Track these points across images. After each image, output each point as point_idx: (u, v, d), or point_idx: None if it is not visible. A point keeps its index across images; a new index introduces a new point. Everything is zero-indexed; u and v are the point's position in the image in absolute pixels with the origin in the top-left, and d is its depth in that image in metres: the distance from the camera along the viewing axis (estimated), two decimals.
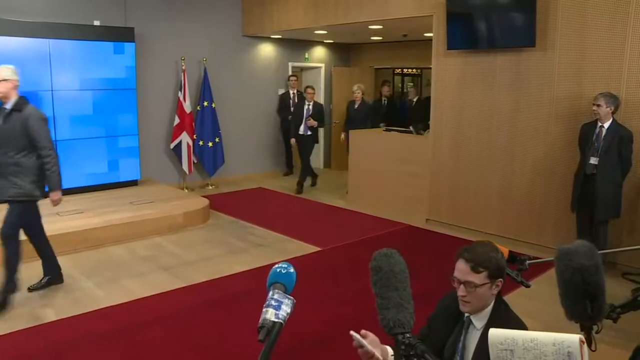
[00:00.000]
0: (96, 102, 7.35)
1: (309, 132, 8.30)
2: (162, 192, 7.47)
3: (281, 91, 9.94)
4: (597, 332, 1.54)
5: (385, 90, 9.53)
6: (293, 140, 8.30)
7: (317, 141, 8.44)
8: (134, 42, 7.58)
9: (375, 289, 1.35)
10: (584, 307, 1.46)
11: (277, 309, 1.18)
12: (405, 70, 11.60)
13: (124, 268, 5.11)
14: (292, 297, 1.23)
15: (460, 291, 1.73)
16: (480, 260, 1.72)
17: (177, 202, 6.85)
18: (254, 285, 4.65)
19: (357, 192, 7.70)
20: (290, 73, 10.07)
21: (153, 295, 4.44)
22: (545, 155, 5.63)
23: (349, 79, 10.76)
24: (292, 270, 1.28)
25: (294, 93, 9.69)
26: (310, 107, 8.27)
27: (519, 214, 5.84)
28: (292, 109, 9.23)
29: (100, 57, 7.31)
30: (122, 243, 5.87)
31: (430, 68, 6.60)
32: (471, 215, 6.30)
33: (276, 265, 1.29)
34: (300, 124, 8.26)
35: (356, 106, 8.40)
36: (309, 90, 8.37)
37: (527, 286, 1.93)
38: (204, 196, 7.45)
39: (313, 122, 8.24)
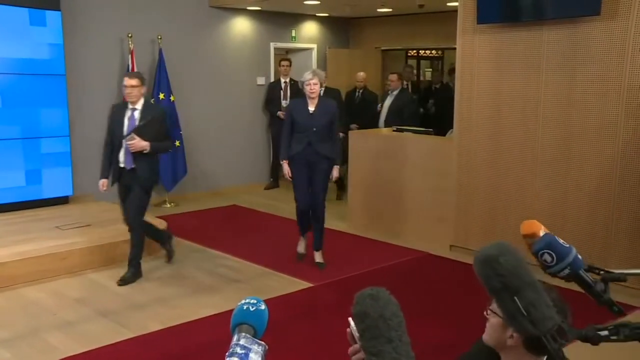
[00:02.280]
0: (5, 91, 7.32)
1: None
2: (102, 212, 7.51)
3: (261, 81, 10.19)
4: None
5: (395, 79, 9.45)
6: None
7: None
8: (59, 10, 7.56)
9: (362, 342, 1.38)
10: (521, 318, 1.58)
11: (244, 358, 1.22)
12: (421, 52, 11.66)
13: (45, 317, 5.11)
14: (263, 343, 1.28)
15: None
16: None
17: (122, 225, 6.84)
18: (225, 334, 4.46)
19: (360, 211, 7.87)
20: (273, 55, 10.31)
21: (88, 351, 4.44)
22: (612, 162, 5.63)
23: (349, 64, 10.88)
24: (262, 307, 1.35)
25: (285, 82, 9.93)
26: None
27: (576, 240, 5.77)
28: (283, 103, 9.62)
29: (9, 28, 7.20)
30: (43, 282, 5.88)
31: (454, 49, 6.76)
32: (510, 242, 6.18)
33: (242, 301, 1.36)
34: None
35: (358, 98, 8.46)
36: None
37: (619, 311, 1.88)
38: (159, 217, 7.56)
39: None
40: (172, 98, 8.67)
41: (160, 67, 8.58)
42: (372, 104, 9.31)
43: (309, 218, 6.28)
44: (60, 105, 7.65)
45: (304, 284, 5.78)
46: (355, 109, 9.26)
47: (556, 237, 1.83)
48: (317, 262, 6.30)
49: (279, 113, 9.46)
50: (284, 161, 6.01)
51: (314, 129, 5.88)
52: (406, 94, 9.09)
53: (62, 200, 7.82)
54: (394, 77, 8.97)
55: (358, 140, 7.78)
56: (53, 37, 7.47)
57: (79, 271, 6.06)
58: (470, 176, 6.65)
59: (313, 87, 5.79)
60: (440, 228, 6.98)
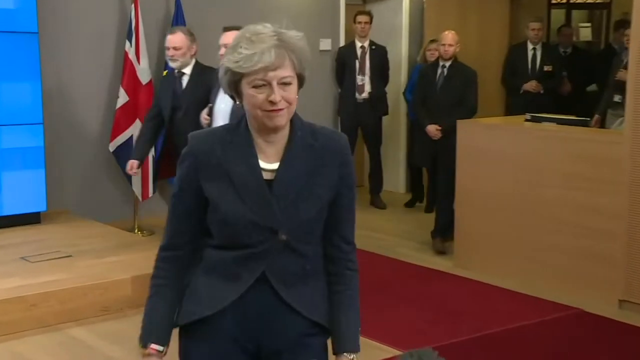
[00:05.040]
0: None
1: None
2: (90, 236, 7.51)
3: (325, 45, 10.26)
4: None
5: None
6: (434, 128, 8.53)
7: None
8: None
9: None
10: None
11: None
12: None
13: None
14: None
15: None
16: None
17: (118, 257, 6.91)
18: None
19: (472, 242, 7.84)
20: (344, 7, 10.39)
21: None
22: None
23: (461, 17, 10.82)
24: None
25: (363, 47, 10.10)
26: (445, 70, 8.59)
27: None
28: (359, 78, 10.04)
29: None
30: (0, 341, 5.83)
31: None
32: None
33: None
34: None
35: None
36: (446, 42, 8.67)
37: None
38: None
39: None
40: None
41: (178, 23, 8.59)
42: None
43: None
44: (29, 78, 7.71)
45: (390, 352, 5.72)
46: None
47: None
48: None
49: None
50: None
51: None
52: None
53: (31, 219, 7.84)
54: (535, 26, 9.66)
55: (467, 135, 7.82)
56: None
57: (55, 325, 6.01)
58: None
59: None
60: (602, 272, 6.85)
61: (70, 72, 8.36)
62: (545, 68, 9.92)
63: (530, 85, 9.77)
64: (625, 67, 8.78)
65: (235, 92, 2.74)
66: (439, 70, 8.49)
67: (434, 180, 9.22)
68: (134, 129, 8.43)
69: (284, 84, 2.68)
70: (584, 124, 7.37)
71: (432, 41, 9.66)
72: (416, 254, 8.36)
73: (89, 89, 8.49)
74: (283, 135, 2.81)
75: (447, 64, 8.42)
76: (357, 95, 9.91)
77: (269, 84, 2.64)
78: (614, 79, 8.71)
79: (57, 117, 8.24)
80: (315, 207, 2.83)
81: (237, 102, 2.74)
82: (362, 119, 9.98)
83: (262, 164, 2.78)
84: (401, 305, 6.77)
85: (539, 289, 7.07)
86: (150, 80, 8.57)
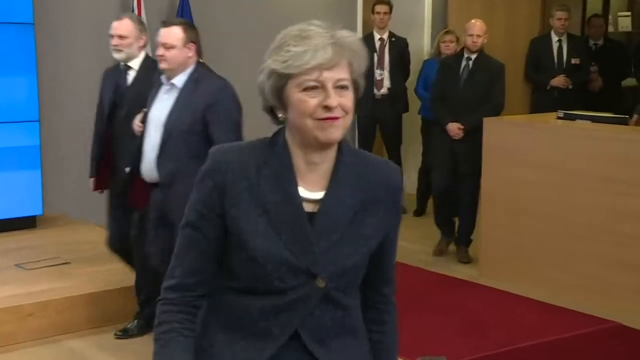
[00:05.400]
0: None
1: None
2: (89, 241, 7.47)
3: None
4: None
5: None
6: (456, 127, 8.39)
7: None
8: None
9: None
10: None
11: None
12: None
13: None
14: None
15: None
16: None
17: (119, 264, 6.79)
18: None
19: (497, 250, 7.88)
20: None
21: None
22: None
23: (487, 7, 10.96)
24: None
25: (382, 39, 10.11)
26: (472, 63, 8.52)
27: None
28: (377, 73, 9.98)
29: None
30: None
31: None
32: None
33: None
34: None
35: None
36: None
37: None
38: None
39: None
40: (200, 60, 8.66)
41: (183, 13, 8.63)
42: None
43: None
44: (25, 72, 7.74)
45: None
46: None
47: None
48: None
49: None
50: None
51: None
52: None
53: (27, 223, 7.88)
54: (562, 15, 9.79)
55: (493, 134, 7.84)
56: None
57: (52, 336, 6.01)
58: None
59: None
60: (639, 282, 6.83)
61: (68, 67, 8.37)
62: (573, 61, 9.93)
63: (559, 81, 9.75)
64: None
65: (278, 101, 2.39)
66: (463, 63, 8.30)
67: (452, 186, 8.74)
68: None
69: (340, 87, 2.36)
70: (623, 122, 7.34)
71: (447, 32, 9.65)
72: (437, 261, 8.39)
73: (89, 84, 8.35)
74: (330, 158, 2.45)
75: (473, 56, 8.25)
76: (375, 90, 9.83)
77: (322, 87, 2.32)
78: None
79: (54, 115, 8.24)
80: (361, 251, 2.49)
81: (281, 116, 2.39)
82: (380, 117, 9.92)
83: (303, 192, 2.42)
84: (423, 316, 6.73)
85: (570, 300, 7.04)
86: None
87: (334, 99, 2.29)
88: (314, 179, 2.42)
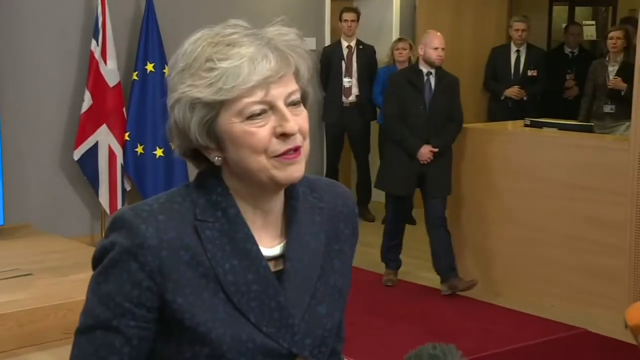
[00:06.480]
0: None
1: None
2: (52, 252, 7.46)
3: (310, 44, 10.21)
4: None
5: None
6: (428, 151, 7.65)
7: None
8: None
9: None
10: None
11: None
12: None
13: None
14: None
15: None
16: None
17: (83, 275, 6.59)
18: None
19: (471, 259, 8.01)
20: (330, 4, 10.51)
21: None
22: None
23: (455, 16, 10.95)
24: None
25: (349, 47, 10.19)
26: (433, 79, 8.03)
27: None
28: (345, 80, 9.99)
29: None
30: None
31: None
32: None
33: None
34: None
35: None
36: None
37: None
38: None
39: None
40: (166, 71, 8.55)
41: (148, 21, 8.62)
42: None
43: None
44: None
45: None
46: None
47: None
48: None
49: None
50: None
51: None
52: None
53: None
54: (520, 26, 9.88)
55: (459, 143, 7.91)
56: None
57: (13, 350, 5.99)
58: None
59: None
60: (607, 289, 6.90)
61: (29, 72, 8.31)
62: (530, 72, 9.99)
63: (512, 91, 9.88)
64: (620, 74, 8.82)
65: (210, 139, 1.82)
66: (424, 78, 7.66)
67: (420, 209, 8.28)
68: (100, 135, 8.47)
69: (292, 104, 1.82)
70: (588, 130, 7.40)
71: (400, 40, 9.71)
72: (404, 269, 8.34)
73: (51, 90, 8.43)
74: (280, 198, 1.95)
75: (433, 71, 7.65)
76: (343, 98, 9.89)
77: (271, 108, 1.78)
78: (608, 88, 8.75)
79: (15, 122, 8.15)
80: (338, 307, 2.02)
81: (217, 158, 1.83)
82: (348, 125, 9.98)
83: (263, 250, 1.89)
84: (390, 324, 6.83)
85: (541, 308, 7.15)
86: (119, 83, 8.55)
87: (292, 123, 1.78)
88: (266, 229, 1.93)
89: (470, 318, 7.04)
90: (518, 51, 10.09)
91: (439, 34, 7.69)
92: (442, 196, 7.73)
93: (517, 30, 9.88)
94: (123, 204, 8.82)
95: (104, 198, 8.59)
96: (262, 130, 1.76)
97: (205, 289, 1.79)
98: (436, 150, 7.42)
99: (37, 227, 8.23)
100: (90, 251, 7.60)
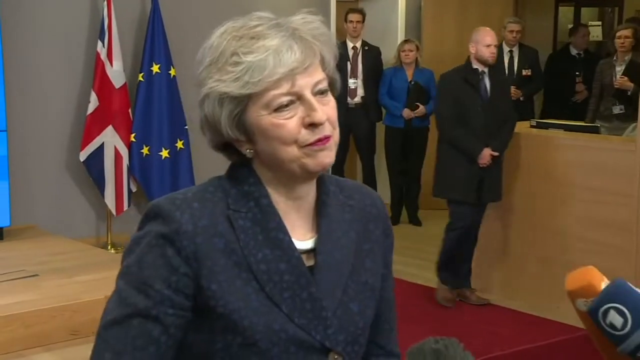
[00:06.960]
0: None
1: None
2: (58, 253, 7.44)
3: None
4: None
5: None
6: (488, 154, 7.33)
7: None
8: None
9: None
10: None
11: None
12: None
13: None
14: None
15: None
16: None
17: (89, 276, 6.82)
18: None
19: (486, 263, 7.89)
20: (335, 5, 10.42)
21: None
22: None
23: (461, 16, 10.99)
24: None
25: (354, 48, 10.22)
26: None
27: None
28: (351, 82, 10.04)
29: None
30: None
31: None
32: None
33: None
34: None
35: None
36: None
37: None
38: None
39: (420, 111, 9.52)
40: (171, 72, 8.69)
41: (154, 23, 8.60)
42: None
43: None
44: None
45: None
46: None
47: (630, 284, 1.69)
48: None
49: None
50: None
51: None
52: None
53: None
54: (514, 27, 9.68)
55: None
56: None
57: (19, 351, 5.95)
58: None
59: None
60: None
61: (35, 74, 8.31)
62: (524, 72, 9.96)
63: None
64: (627, 74, 8.77)
65: (241, 132, 1.83)
66: (480, 77, 7.33)
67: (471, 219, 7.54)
68: (106, 136, 8.44)
69: (319, 93, 1.83)
70: (594, 131, 7.41)
71: (407, 41, 9.72)
72: (411, 271, 8.38)
73: (58, 92, 8.43)
74: (313, 189, 1.95)
75: (486, 70, 7.34)
76: (348, 99, 9.90)
77: (299, 99, 1.79)
78: (615, 88, 8.69)
79: (22, 124, 8.18)
80: (370, 305, 1.99)
81: (249, 151, 1.85)
82: (354, 126, 9.97)
83: (295, 242, 1.88)
84: (402, 327, 6.68)
85: (546, 310, 7.11)
86: (125, 84, 8.53)
87: (320, 112, 1.79)
88: (298, 222, 1.92)
89: (475, 320, 7.05)
90: (511, 52, 10.06)
91: (490, 30, 7.45)
92: (495, 202, 7.40)
93: (511, 31, 9.84)
94: (129, 205, 8.80)
95: (109, 199, 8.56)
96: (290, 122, 1.77)
97: (238, 277, 1.79)
98: (496, 154, 7.13)
99: (43, 229, 8.25)
100: (96, 252, 7.64)
